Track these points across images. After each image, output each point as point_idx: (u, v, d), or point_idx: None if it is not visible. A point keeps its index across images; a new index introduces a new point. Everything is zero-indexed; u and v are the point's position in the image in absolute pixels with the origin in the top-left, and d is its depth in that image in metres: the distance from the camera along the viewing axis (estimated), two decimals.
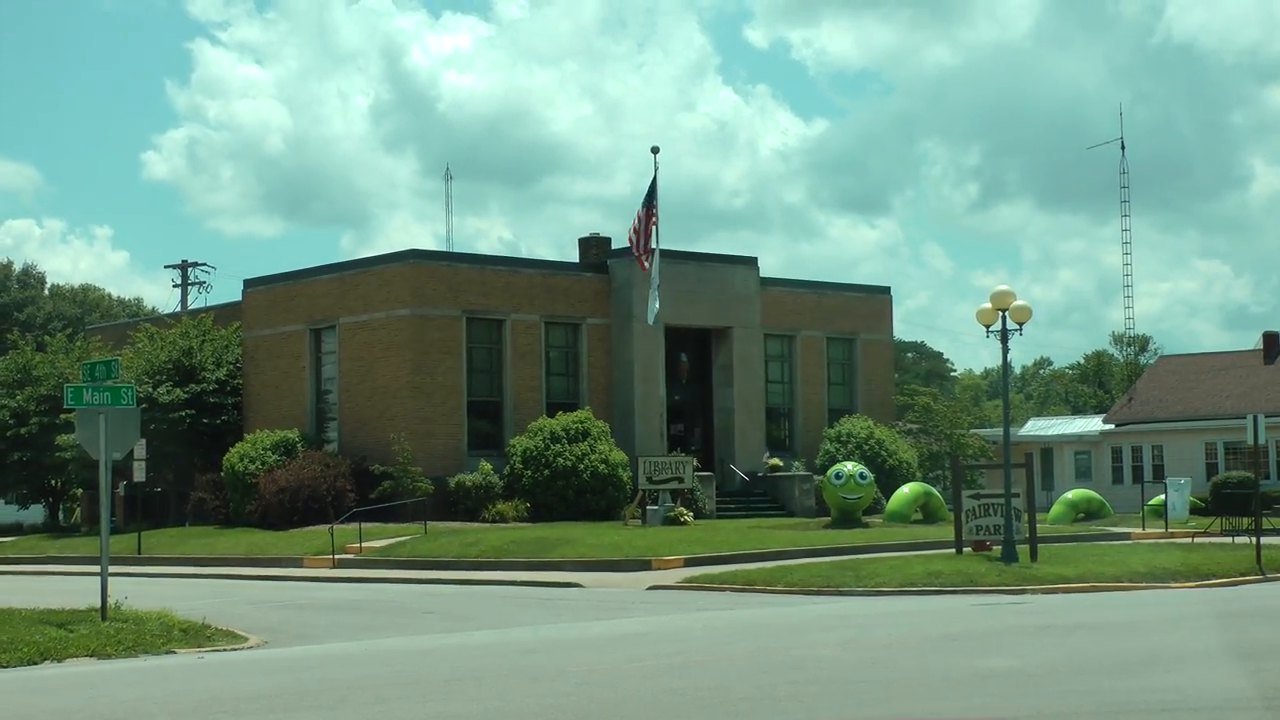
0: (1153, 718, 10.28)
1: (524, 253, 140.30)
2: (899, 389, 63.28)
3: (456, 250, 57.73)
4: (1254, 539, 29.50)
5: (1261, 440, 31.37)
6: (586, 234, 49.54)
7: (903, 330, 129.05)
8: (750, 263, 50.63)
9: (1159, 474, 55.22)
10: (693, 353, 49.80)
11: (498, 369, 46.36)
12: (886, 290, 55.17)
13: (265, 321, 49.39)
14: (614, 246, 48.67)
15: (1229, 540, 34.39)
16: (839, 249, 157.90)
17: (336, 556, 36.73)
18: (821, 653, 15.40)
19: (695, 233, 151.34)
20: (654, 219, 43.37)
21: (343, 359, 46.43)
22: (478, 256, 47.95)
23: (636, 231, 43.59)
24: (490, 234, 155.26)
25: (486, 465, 43.84)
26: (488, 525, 40.72)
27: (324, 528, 39.76)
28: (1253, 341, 67.16)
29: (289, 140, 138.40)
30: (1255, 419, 31.52)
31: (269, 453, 45.37)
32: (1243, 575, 27.14)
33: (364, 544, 37.90)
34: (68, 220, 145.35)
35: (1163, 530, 41.13)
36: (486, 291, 45.89)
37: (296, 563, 37.30)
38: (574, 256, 50.29)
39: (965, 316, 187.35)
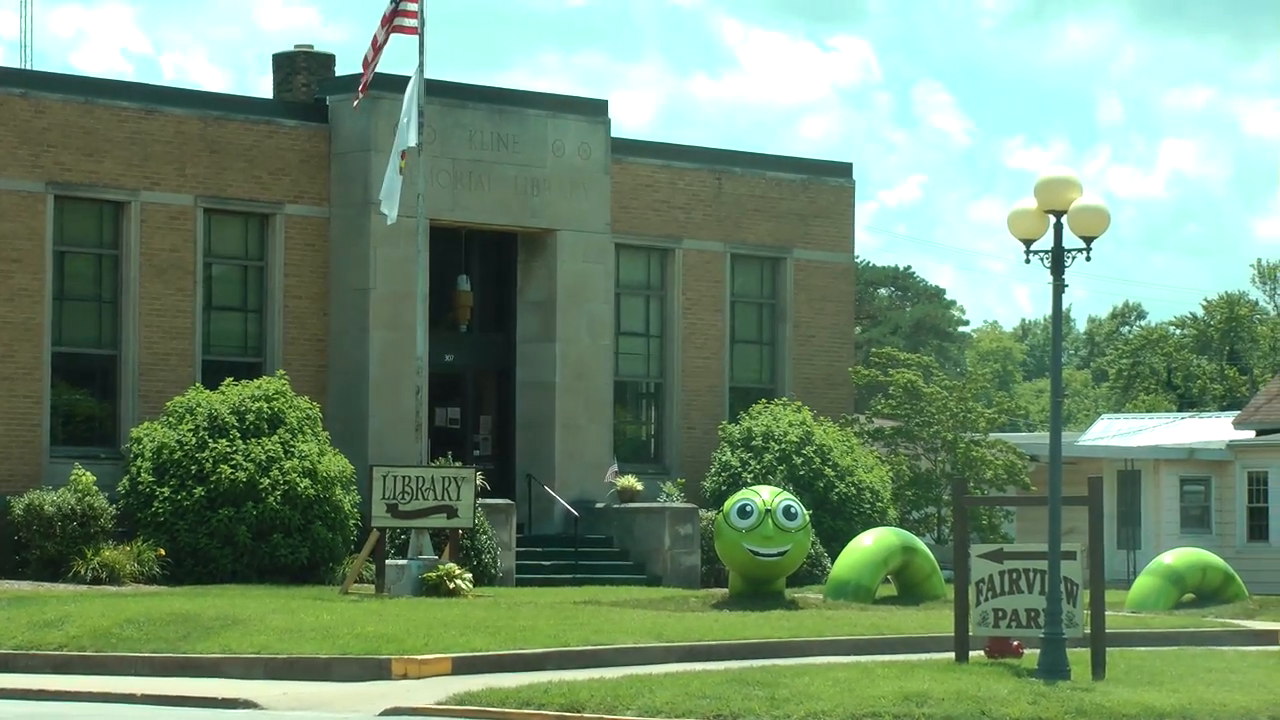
0: None
1: (170, 78, 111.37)
2: (863, 353, 55.12)
3: (38, 69, 46.78)
4: None
5: None
6: (290, 47, 41.71)
7: (873, 245, 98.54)
8: (593, 110, 42.06)
9: None
10: (481, 275, 41.44)
11: (112, 295, 38.28)
12: (846, 170, 46.90)
13: None
14: (340, 72, 39.64)
15: None
16: (762, 89, 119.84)
17: None
18: None
19: (498, 54, 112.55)
20: (408, 19, 34.13)
21: None
22: (80, 82, 39.93)
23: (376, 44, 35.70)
24: (106, 41, 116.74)
25: (86, 475, 36.76)
26: (85, 588, 35.37)
27: None
28: None
29: None
30: None
31: None
32: None
33: None
34: None
35: None
36: (95, 147, 38.09)
37: None
38: (264, 87, 43.81)
39: (990, 223, 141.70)
